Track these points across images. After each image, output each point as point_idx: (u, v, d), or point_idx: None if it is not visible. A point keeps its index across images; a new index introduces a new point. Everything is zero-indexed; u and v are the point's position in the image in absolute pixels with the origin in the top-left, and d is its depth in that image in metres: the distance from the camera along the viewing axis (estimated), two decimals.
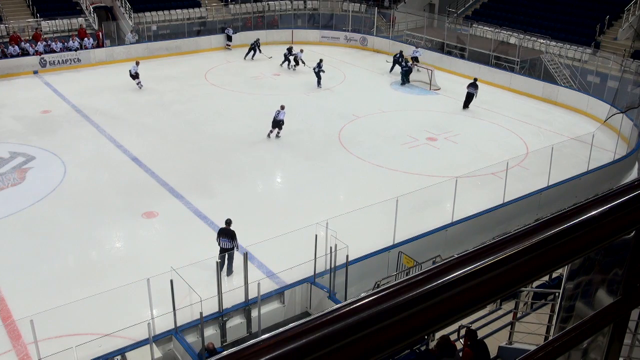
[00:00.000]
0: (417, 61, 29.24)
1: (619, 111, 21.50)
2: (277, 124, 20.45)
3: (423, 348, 9.82)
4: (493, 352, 9.27)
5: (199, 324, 10.87)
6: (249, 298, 11.77)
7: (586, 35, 28.89)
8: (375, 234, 14.17)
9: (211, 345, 10.08)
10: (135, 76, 25.84)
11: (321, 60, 26.74)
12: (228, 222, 13.01)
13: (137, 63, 26.35)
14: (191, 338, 11.05)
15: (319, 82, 26.65)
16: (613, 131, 21.70)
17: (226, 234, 12.91)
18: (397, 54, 28.83)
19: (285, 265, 12.89)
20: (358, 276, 12.67)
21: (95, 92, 25.50)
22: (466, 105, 24.14)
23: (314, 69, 26.73)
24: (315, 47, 34.38)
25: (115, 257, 13.89)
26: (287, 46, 30.38)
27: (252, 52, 31.28)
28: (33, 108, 23.42)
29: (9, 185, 17.13)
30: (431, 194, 15.86)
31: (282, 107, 20.51)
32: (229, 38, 33.46)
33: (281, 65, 29.63)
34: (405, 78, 27.54)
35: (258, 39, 31.80)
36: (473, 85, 24.07)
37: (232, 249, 12.89)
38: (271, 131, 20.59)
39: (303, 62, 29.11)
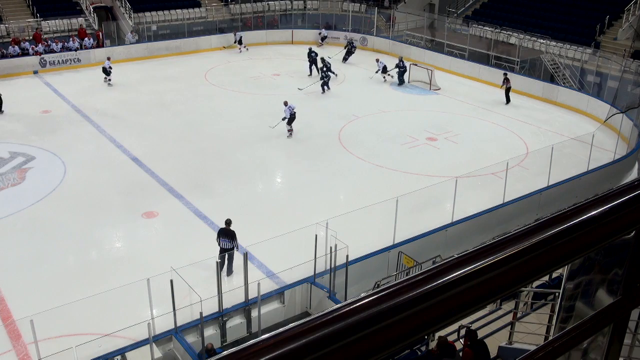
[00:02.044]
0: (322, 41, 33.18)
1: (619, 111, 21.50)
2: (294, 118, 20.60)
3: (423, 348, 9.83)
4: (493, 352, 9.27)
5: (199, 324, 10.87)
6: (249, 298, 11.77)
7: (586, 35, 28.89)
8: (375, 234, 14.17)
9: (210, 346, 10.09)
10: (108, 72, 26.03)
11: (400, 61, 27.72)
12: (228, 222, 13.01)
13: (109, 58, 26.56)
14: (191, 338, 11.05)
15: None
16: (613, 131, 21.70)
17: (226, 234, 12.91)
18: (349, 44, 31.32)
19: (285, 265, 12.88)
20: (358, 276, 12.67)
21: (95, 92, 25.51)
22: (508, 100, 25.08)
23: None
24: (315, 47, 34.37)
25: (115, 257, 13.89)
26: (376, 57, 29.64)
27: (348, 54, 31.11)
28: (33, 108, 23.42)
29: (9, 185, 17.13)
30: (431, 194, 15.86)
31: (286, 103, 20.73)
32: (240, 41, 32.79)
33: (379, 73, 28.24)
34: (400, 78, 27.40)
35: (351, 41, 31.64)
36: (507, 81, 24.98)
37: (232, 249, 12.89)
38: (290, 129, 20.75)
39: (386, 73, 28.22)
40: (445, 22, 33.11)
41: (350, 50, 31.05)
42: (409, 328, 1.05)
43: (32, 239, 14.37)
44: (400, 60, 27.80)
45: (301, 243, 12.67)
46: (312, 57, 28.28)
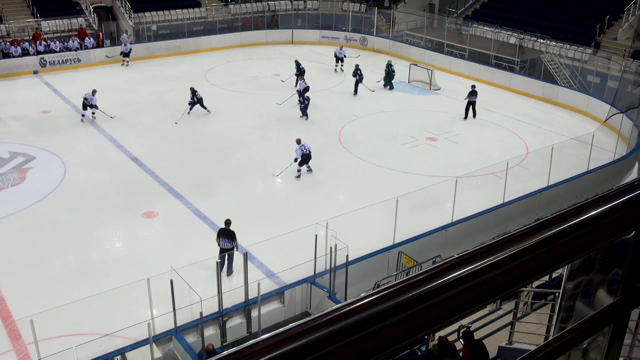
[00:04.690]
0: (342, 61, 28.81)
1: (619, 111, 21.50)
2: (309, 158, 17.74)
3: (423, 348, 9.83)
4: (493, 352, 9.27)
5: (199, 324, 10.87)
6: (249, 298, 11.77)
7: (586, 35, 28.90)
8: (375, 234, 14.17)
9: (211, 347, 10.09)
10: (90, 106, 21.86)
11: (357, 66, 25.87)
12: (228, 222, 13.01)
13: (94, 92, 22.05)
14: (191, 338, 11.06)
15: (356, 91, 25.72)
16: (613, 131, 21.70)
17: (226, 234, 12.91)
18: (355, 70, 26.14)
19: (285, 265, 12.89)
20: (358, 276, 12.67)
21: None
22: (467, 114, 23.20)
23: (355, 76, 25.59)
24: (315, 47, 34.39)
25: (115, 257, 13.89)
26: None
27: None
28: (33, 108, 23.42)
29: (9, 185, 17.13)
30: (431, 194, 15.85)
31: (299, 142, 17.74)
32: (126, 54, 29.32)
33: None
34: (389, 83, 26.60)
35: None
36: (471, 94, 23.15)
37: (232, 249, 12.89)
38: (299, 170, 17.78)
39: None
40: (445, 22, 33.12)
41: (358, 76, 25.92)
42: (409, 328, 1.05)
43: (32, 239, 14.36)
44: (388, 65, 26.66)
45: (301, 243, 12.68)
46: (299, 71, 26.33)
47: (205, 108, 22.87)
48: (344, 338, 0.99)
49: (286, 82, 26.72)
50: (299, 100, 22.74)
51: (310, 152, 17.68)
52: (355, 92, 25.79)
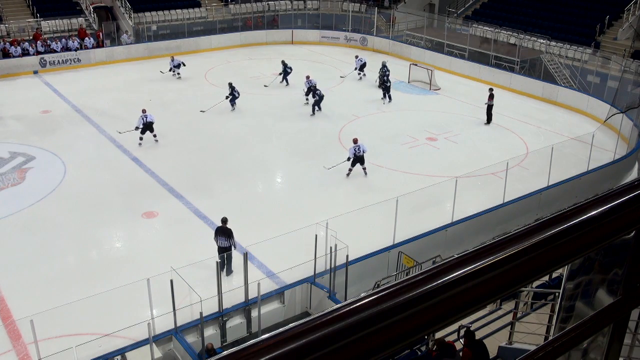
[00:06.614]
0: (362, 69, 27.55)
1: (619, 111, 21.49)
2: (361, 159, 17.72)
3: (423, 348, 9.83)
4: (493, 352, 9.27)
5: (199, 324, 10.87)
6: (249, 298, 11.77)
7: (586, 35, 28.90)
8: (375, 234, 14.17)
9: (210, 346, 10.09)
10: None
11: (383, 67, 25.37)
12: (224, 220, 13.00)
13: (144, 111, 20.08)
14: (191, 338, 11.06)
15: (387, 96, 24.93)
16: (613, 131, 21.70)
17: (223, 232, 12.91)
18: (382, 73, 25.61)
19: (285, 265, 12.88)
20: (358, 276, 12.67)
21: (95, 92, 25.49)
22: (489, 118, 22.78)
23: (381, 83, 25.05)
24: (315, 47, 34.40)
25: (115, 257, 13.89)
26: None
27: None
28: (33, 108, 23.43)
29: (9, 185, 17.13)
30: (431, 194, 15.86)
31: (355, 141, 17.77)
32: (177, 66, 27.72)
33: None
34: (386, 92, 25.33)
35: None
36: (490, 97, 22.68)
37: (230, 247, 12.88)
38: (350, 169, 17.76)
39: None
40: (445, 22, 33.12)
41: (384, 82, 25.35)
42: (409, 328, 1.05)
43: (32, 239, 14.36)
44: (384, 66, 25.61)
45: (301, 243, 12.68)
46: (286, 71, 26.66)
47: (235, 104, 23.52)
48: (344, 338, 0.99)
49: (269, 86, 26.52)
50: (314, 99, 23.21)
51: (364, 153, 17.61)
52: (390, 98, 24.95)
